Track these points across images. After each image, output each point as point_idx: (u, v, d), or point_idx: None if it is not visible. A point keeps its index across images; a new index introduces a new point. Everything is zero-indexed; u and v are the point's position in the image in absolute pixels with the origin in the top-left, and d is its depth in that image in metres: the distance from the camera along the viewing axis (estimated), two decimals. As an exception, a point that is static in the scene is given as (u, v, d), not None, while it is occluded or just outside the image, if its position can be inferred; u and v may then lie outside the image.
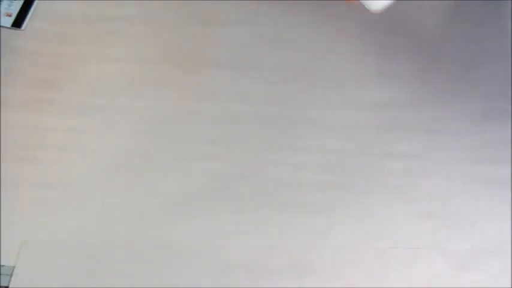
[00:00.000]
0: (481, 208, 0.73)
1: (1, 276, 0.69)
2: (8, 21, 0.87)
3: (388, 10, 0.74)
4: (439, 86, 0.82)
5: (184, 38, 0.87)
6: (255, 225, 0.73)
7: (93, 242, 0.72)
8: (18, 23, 0.87)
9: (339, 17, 0.88)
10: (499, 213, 0.73)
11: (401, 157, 0.76)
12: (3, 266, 0.70)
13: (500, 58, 0.84)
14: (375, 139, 0.73)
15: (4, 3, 0.89)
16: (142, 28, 0.88)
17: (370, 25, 0.87)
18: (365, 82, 0.82)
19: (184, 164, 0.77)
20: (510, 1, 0.88)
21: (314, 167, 0.76)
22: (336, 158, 0.76)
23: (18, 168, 0.76)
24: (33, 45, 0.86)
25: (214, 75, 0.83)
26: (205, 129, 0.79)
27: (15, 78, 0.83)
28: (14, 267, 0.70)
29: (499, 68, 0.83)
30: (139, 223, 0.73)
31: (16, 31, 0.87)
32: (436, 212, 0.73)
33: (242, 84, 0.82)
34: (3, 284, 0.69)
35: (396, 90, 0.80)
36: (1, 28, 0.87)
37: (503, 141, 0.77)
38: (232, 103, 0.81)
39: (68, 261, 0.70)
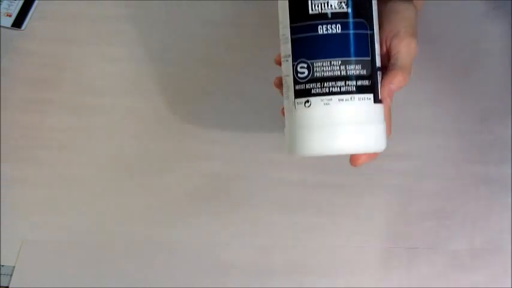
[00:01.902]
0: (481, 208, 0.73)
1: (1, 276, 0.69)
2: (8, 21, 0.87)
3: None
4: (439, 85, 0.82)
5: (184, 38, 0.87)
6: (255, 225, 0.73)
7: (93, 242, 0.72)
8: (18, 23, 0.87)
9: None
10: (499, 213, 0.73)
11: (401, 157, 0.76)
12: (3, 266, 0.70)
13: (500, 58, 0.83)
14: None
15: (4, 3, 0.89)
16: (142, 28, 0.88)
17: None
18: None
19: (184, 164, 0.77)
20: (510, 1, 0.88)
21: (314, 167, 0.76)
22: (336, 158, 0.76)
23: (18, 168, 0.76)
24: (33, 45, 0.86)
25: (214, 75, 0.83)
26: (205, 129, 0.79)
27: (15, 78, 0.83)
28: (14, 267, 0.70)
29: (499, 68, 0.83)
30: (139, 223, 0.73)
31: (16, 31, 0.87)
32: (436, 212, 0.73)
33: (242, 84, 0.82)
34: (3, 284, 0.69)
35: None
36: (1, 28, 0.87)
37: (503, 141, 0.77)
38: (232, 103, 0.81)
39: (68, 261, 0.70)
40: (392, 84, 0.60)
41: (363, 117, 0.58)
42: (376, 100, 0.59)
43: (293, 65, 0.59)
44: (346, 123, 0.58)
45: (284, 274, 0.69)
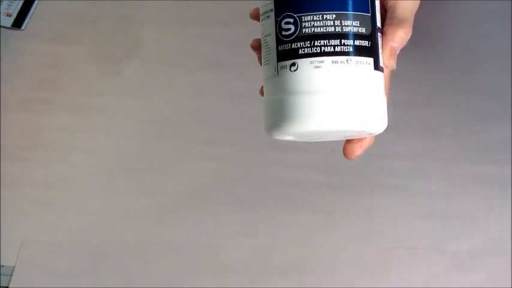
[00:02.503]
0: (481, 208, 0.73)
1: (1, 276, 0.69)
2: (8, 21, 0.87)
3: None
4: (439, 86, 0.82)
5: (184, 38, 0.86)
6: (255, 225, 0.73)
7: (93, 242, 0.72)
8: (18, 23, 0.87)
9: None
10: (499, 213, 0.73)
11: (401, 157, 0.76)
12: (3, 266, 0.70)
13: (500, 58, 0.83)
14: (375, 139, 0.73)
15: (4, 3, 0.89)
16: (142, 28, 0.88)
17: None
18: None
19: (184, 164, 0.77)
20: (510, 1, 0.88)
21: (314, 167, 0.76)
22: (336, 158, 0.76)
23: (18, 168, 0.76)
24: (33, 45, 0.86)
25: (214, 75, 0.83)
26: (205, 129, 0.79)
27: (15, 78, 0.83)
28: (14, 267, 0.70)
29: (499, 68, 0.83)
30: (139, 223, 0.73)
31: (16, 31, 0.87)
32: (436, 212, 0.73)
33: (242, 84, 0.82)
34: (3, 284, 0.69)
35: (396, 91, 0.80)
36: (1, 28, 0.87)
37: (503, 141, 0.77)
38: (232, 103, 0.81)
39: (68, 261, 0.70)
40: (394, 42, 0.50)
41: (361, 86, 0.48)
42: (377, 67, 0.49)
43: (276, 21, 0.48)
44: (341, 91, 0.47)
45: (284, 274, 0.69)
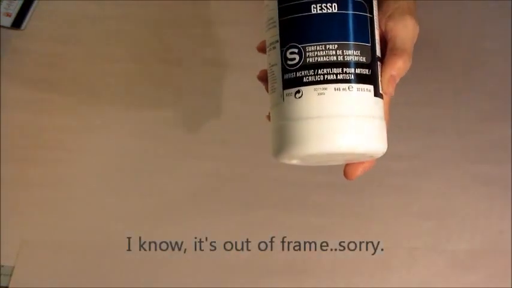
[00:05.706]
0: (481, 208, 0.73)
1: (1, 276, 0.69)
2: (8, 21, 0.87)
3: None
4: (439, 85, 0.82)
5: (184, 38, 0.86)
6: (255, 225, 0.73)
7: (93, 242, 0.72)
8: (18, 23, 0.87)
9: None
10: (499, 213, 0.73)
11: (401, 157, 0.76)
12: (3, 266, 0.70)
13: (500, 58, 0.84)
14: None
15: (4, 3, 0.89)
16: (142, 28, 0.88)
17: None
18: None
19: (184, 164, 0.77)
20: (510, 1, 0.88)
21: (314, 167, 0.76)
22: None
23: (18, 168, 0.76)
24: (33, 45, 0.86)
25: (214, 75, 0.83)
26: (205, 129, 0.79)
27: (15, 78, 0.83)
28: (14, 267, 0.70)
29: (499, 68, 0.83)
30: (139, 223, 0.73)
31: (16, 31, 0.87)
32: (436, 212, 0.73)
33: (242, 84, 0.82)
34: (3, 284, 0.69)
35: (396, 90, 0.80)
36: (1, 28, 0.87)
37: (503, 141, 0.77)
38: (232, 103, 0.81)
39: (68, 261, 0.70)
40: (393, 71, 0.53)
41: (362, 111, 0.51)
42: (377, 93, 0.52)
43: (281, 51, 0.52)
44: (344, 116, 0.50)
45: (284, 274, 0.69)
